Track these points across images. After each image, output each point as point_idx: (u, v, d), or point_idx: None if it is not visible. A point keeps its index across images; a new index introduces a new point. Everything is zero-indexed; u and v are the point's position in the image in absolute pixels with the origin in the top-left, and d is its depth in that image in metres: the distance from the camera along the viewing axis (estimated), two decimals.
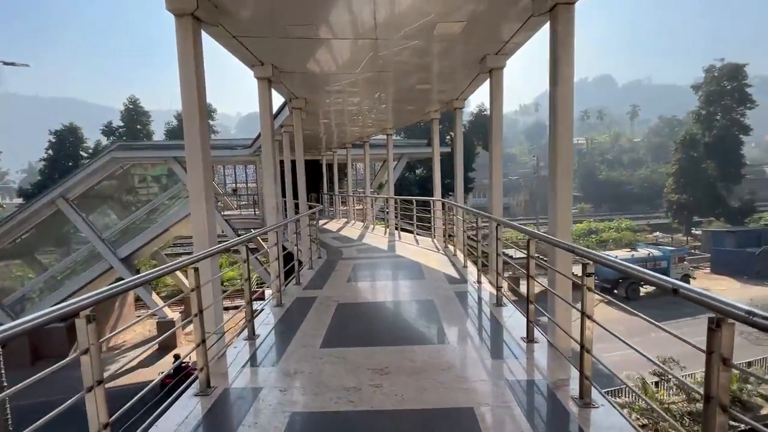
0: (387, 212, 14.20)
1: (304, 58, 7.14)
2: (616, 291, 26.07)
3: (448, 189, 32.09)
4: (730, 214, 41.95)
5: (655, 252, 27.72)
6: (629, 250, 29.05)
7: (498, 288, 5.06)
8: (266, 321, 4.83)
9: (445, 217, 9.52)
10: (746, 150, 44.22)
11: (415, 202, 10.95)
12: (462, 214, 8.86)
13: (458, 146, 9.42)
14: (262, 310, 5.21)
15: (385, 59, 7.21)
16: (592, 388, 2.75)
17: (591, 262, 2.62)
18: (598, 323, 2.62)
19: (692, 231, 44.80)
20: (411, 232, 11.62)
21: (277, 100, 9.27)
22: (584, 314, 2.65)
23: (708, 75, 42.63)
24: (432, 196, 11.36)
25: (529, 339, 3.84)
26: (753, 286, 28.23)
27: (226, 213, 23.13)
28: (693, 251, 37.51)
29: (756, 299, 25.21)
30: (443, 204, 9.63)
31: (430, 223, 11.12)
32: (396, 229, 12.23)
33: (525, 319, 3.92)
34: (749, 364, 15.21)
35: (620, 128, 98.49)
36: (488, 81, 7.19)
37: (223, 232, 20.73)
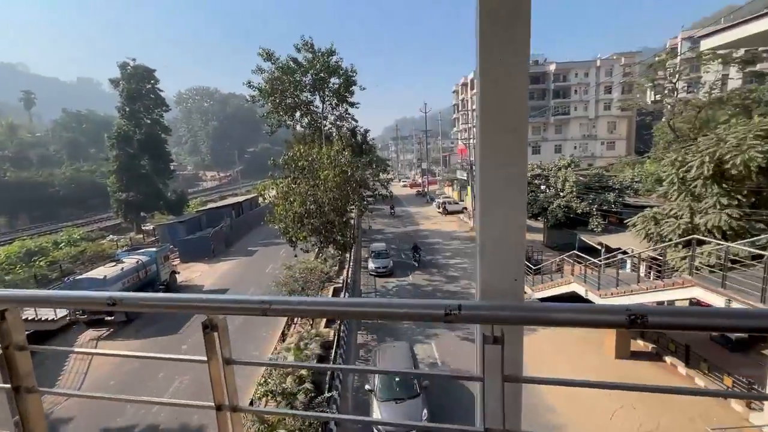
0: None
1: None
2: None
3: None
4: (170, 206, 46.48)
5: (143, 258, 25.02)
6: (114, 263, 24.11)
7: None
8: None
9: None
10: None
11: None
12: None
13: None
14: None
15: None
16: None
17: None
18: None
19: (142, 227, 45.31)
20: None
21: None
22: None
23: (124, 73, 42.36)
24: None
25: None
26: (216, 264, 33.11)
27: None
28: (159, 245, 37.99)
29: (223, 274, 29.96)
30: None
31: None
32: None
33: None
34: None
35: (14, 118, 77.64)
36: None
37: None
